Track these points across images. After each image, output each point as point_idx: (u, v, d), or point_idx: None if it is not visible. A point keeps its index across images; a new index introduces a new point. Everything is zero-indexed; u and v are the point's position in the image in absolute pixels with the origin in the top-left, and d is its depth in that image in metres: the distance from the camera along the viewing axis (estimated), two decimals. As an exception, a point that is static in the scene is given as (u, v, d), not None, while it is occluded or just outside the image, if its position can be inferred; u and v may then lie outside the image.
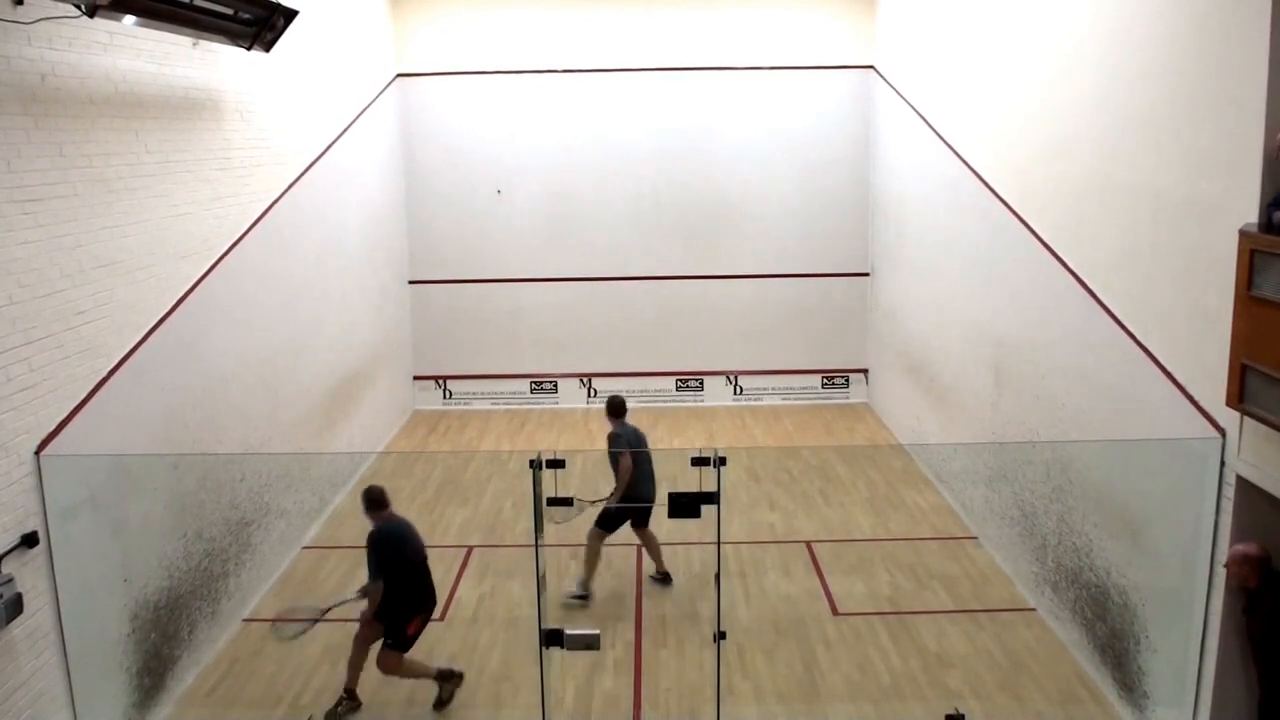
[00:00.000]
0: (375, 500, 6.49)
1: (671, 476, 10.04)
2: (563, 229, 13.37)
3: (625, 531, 9.10)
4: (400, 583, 6.47)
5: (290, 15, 7.37)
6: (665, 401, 13.64)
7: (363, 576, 6.70)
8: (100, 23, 5.89)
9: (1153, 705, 6.20)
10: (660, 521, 8.75)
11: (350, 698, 6.60)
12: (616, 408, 8.23)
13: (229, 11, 6.77)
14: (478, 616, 7.78)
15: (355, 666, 6.61)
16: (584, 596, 8.02)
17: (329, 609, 6.57)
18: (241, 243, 8.00)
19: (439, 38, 12.91)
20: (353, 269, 11.09)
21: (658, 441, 12.11)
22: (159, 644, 6.57)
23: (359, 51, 11.47)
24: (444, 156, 13.18)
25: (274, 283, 8.73)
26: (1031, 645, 7.25)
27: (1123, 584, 6.49)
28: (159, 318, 6.74)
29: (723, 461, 5.86)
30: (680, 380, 13.67)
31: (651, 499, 8.10)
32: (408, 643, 6.52)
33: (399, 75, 12.85)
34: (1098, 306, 6.85)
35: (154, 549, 6.57)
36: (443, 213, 13.31)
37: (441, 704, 6.65)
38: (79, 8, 5.47)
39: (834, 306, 13.56)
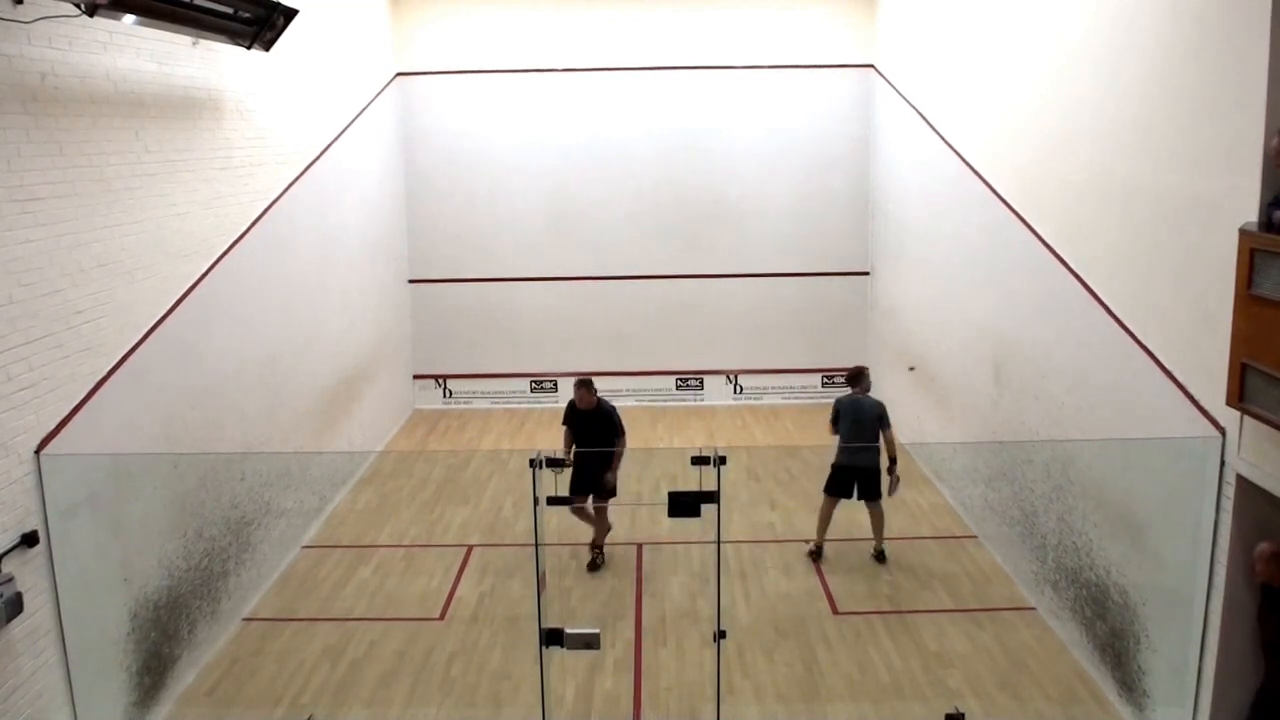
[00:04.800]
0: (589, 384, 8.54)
1: (671, 476, 10.09)
2: (562, 229, 13.36)
3: (624, 531, 9.12)
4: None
5: (290, 14, 7.37)
6: (665, 401, 13.65)
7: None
8: (100, 22, 5.88)
9: (1153, 705, 6.21)
10: (661, 520, 8.81)
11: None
12: (851, 377, 8.85)
13: (229, 10, 6.77)
14: (478, 616, 7.78)
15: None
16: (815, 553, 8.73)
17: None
18: (241, 242, 7.99)
19: (438, 37, 12.91)
20: (353, 268, 11.08)
21: (657, 441, 12.15)
22: (159, 643, 6.57)
23: (359, 50, 11.46)
24: (444, 156, 13.17)
25: (274, 282, 8.72)
26: (1031, 645, 7.25)
27: (1123, 583, 6.49)
28: (159, 317, 6.73)
29: (723, 461, 5.85)
30: (680, 379, 13.67)
31: (853, 467, 8.45)
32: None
33: (399, 74, 12.85)
34: (1098, 305, 6.85)
35: (154, 548, 6.57)
36: (443, 212, 13.30)
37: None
38: (79, 7, 5.47)
39: (833, 305, 13.56)
